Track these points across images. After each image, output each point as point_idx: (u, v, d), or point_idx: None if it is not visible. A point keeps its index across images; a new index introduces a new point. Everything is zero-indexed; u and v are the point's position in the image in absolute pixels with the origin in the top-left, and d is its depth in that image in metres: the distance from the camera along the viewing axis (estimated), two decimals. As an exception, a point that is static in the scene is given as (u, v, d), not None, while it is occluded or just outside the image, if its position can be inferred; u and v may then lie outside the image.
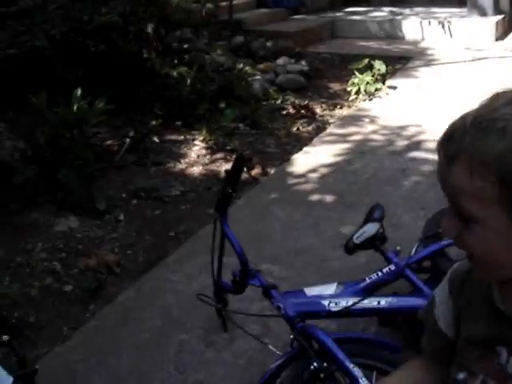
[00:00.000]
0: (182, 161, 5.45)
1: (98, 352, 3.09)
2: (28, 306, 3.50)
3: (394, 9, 11.48)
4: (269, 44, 8.60)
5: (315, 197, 4.71)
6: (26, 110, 5.33)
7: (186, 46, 7.02)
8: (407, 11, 11.23)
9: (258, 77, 7.27)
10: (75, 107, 4.79)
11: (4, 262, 3.87)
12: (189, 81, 5.98)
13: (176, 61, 6.45)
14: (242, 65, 7.12)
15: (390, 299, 2.58)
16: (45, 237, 4.19)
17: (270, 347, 2.59)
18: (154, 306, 3.44)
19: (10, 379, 1.52)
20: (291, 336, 2.39)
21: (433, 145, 5.27)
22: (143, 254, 4.12)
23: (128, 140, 5.55)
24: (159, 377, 2.90)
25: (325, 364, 2.23)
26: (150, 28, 6.00)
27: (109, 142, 5.62)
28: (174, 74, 5.86)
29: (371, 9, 11.60)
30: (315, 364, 2.23)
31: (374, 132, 6.03)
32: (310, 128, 6.32)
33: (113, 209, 4.60)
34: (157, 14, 5.99)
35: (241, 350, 3.02)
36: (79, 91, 4.85)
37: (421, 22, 10.15)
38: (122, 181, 5.05)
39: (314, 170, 5.15)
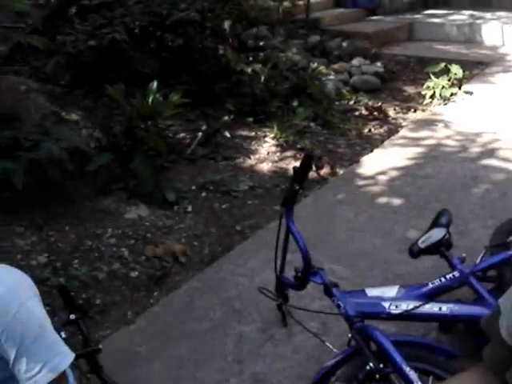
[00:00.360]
0: (251, 157, 5.50)
1: (160, 337, 3.17)
2: (95, 289, 3.63)
3: (474, 12, 11.19)
4: (344, 44, 8.56)
5: (383, 199, 4.67)
6: (103, 101, 5.50)
7: (261, 43, 7.07)
8: (488, 15, 10.93)
9: (332, 77, 7.25)
10: (150, 99, 4.88)
11: (75, 245, 4.00)
12: (262, 78, 6.03)
13: (251, 58, 6.51)
14: (316, 64, 7.11)
15: (451, 306, 2.55)
16: (115, 223, 4.32)
17: (328, 344, 2.61)
18: (216, 297, 3.50)
19: (72, 355, 1.59)
20: (349, 335, 2.41)
21: (507, 153, 5.17)
22: (209, 245, 4.19)
23: (200, 134, 5.64)
24: (217, 365, 2.95)
25: (381, 365, 2.24)
26: (226, 25, 6.08)
27: (181, 134, 5.72)
28: (249, 70, 5.91)
29: (451, 12, 11.35)
30: (371, 364, 2.23)
31: (448, 137, 5.93)
32: (381, 130, 6.27)
33: (182, 200, 4.69)
34: (234, 12, 6.05)
35: (298, 346, 3.05)
36: (155, 84, 4.95)
37: (502, 27, 9.87)
38: (191, 173, 5.14)
39: (383, 173, 5.11)
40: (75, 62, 5.92)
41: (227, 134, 5.75)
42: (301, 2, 8.96)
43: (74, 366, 1.94)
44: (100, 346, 2.44)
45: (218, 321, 3.28)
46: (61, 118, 4.77)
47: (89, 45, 5.73)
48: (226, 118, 5.83)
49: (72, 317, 2.55)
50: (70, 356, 1.57)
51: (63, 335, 2.32)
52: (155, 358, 3.02)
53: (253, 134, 5.93)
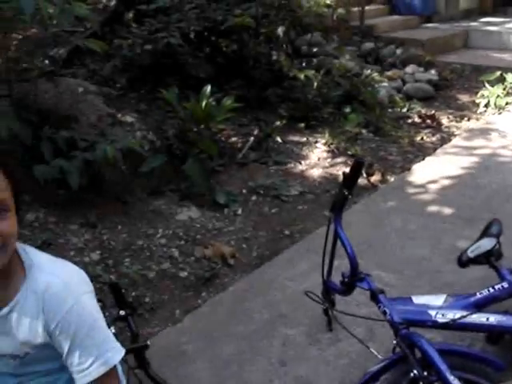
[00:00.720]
0: (302, 162, 5.52)
1: (206, 336, 3.22)
2: (145, 287, 3.71)
3: (532, 21, 11.00)
4: (398, 51, 8.52)
5: (433, 208, 4.64)
6: (157, 104, 5.61)
7: (315, 49, 7.10)
8: (546, 24, 10.73)
9: (385, 84, 7.22)
10: (204, 103, 4.95)
11: (126, 244, 4.10)
12: (315, 84, 6.05)
13: (304, 64, 6.55)
14: (369, 71, 7.10)
15: (499, 317, 2.53)
16: (166, 224, 4.40)
17: (372, 350, 2.62)
18: (263, 300, 3.53)
19: (123, 351, 1.64)
20: (394, 342, 2.41)
21: (562, 164, 5.07)
22: (257, 249, 4.23)
23: (252, 138, 5.70)
24: (261, 367, 2.98)
25: (425, 373, 2.23)
26: (280, 31, 6.12)
27: (233, 138, 5.78)
28: (302, 76, 5.94)
29: (508, 20, 11.16)
30: (415, 372, 2.23)
31: (502, 147, 5.85)
32: (434, 138, 6.22)
33: (232, 203, 4.75)
34: (288, 18, 6.10)
35: (343, 351, 3.06)
36: (208, 88, 5.02)
37: (562, 36, 9.68)
38: (242, 177, 5.19)
39: (434, 181, 5.08)
40: (131, 66, 6.05)
41: (279, 139, 5.79)
42: (355, 9, 8.96)
43: (122, 360, 2.00)
44: (148, 343, 2.50)
45: (264, 323, 3.32)
46: (116, 119, 4.88)
47: (145, 49, 5.85)
48: (278, 123, 5.87)
49: (122, 313, 2.62)
50: (121, 351, 1.62)
51: (113, 330, 2.39)
52: (201, 356, 3.07)
53: (304, 139, 5.95)
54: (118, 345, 1.63)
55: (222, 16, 5.78)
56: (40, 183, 4.16)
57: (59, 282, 1.54)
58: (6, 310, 1.55)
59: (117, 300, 2.70)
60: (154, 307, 3.57)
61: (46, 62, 4.63)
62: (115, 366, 1.63)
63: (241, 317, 3.39)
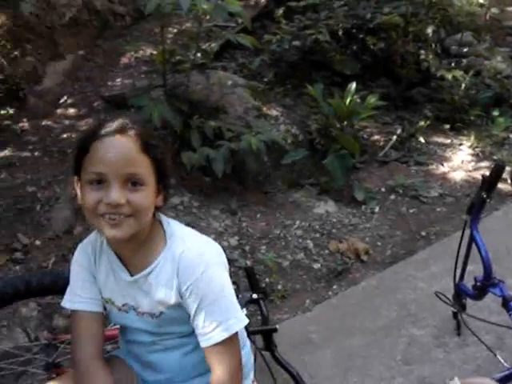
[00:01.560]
0: (445, 164, 5.42)
1: (333, 328, 3.30)
2: (278, 275, 3.84)
3: None
4: (559, 53, 8.07)
5: None
6: (302, 99, 5.72)
7: (465, 50, 6.90)
8: None
9: (540, 88, 6.88)
10: (348, 100, 4.99)
11: (264, 232, 4.25)
12: (463, 85, 5.91)
13: (453, 64, 6.39)
14: (522, 73, 6.81)
15: None
16: (303, 216, 4.51)
17: (499, 358, 2.58)
18: (392, 298, 3.55)
19: (246, 320, 1.75)
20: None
21: None
22: (392, 247, 4.24)
23: (394, 137, 5.67)
24: (386, 363, 3.02)
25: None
26: (430, 30, 6.02)
27: (376, 136, 5.78)
28: (449, 77, 5.81)
29: None
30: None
31: None
32: None
33: (370, 200, 4.77)
34: (438, 16, 5.98)
35: (470, 356, 3.02)
36: (354, 85, 5.06)
37: None
38: (382, 175, 5.19)
39: None
40: (279, 61, 6.20)
41: (422, 140, 5.72)
42: (510, 9, 8.59)
43: (250, 341, 2.13)
44: (277, 326, 2.61)
45: (392, 321, 3.34)
46: (262, 112, 5.04)
47: (293, 45, 5.98)
48: (422, 123, 5.79)
49: (254, 296, 2.75)
50: (244, 321, 1.72)
51: (245, 312, 2.52)
52: (327, 346, 3.15)
53: (448, 141, 5.83)
54: (242, 315, 1.73)
55: (371, 14, 5.78)
56: (187, 169, 4.42)
57: (193, 251, 1.69)
58: (147, 270, 1.71)
59: (250, 283, 2.83)
60: (286, 295, 3.70)
61: (199, 54, 4.86)
62: (237, 334, 1.72)
63: (369, 312, 3.43)
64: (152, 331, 1.81)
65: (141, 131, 1.64)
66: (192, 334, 1.74)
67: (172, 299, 1.70)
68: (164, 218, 1.78)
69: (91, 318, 1.81)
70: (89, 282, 1.83)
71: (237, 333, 1.72)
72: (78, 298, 1.83)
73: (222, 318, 1.66)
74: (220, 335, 1.66)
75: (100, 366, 1.77)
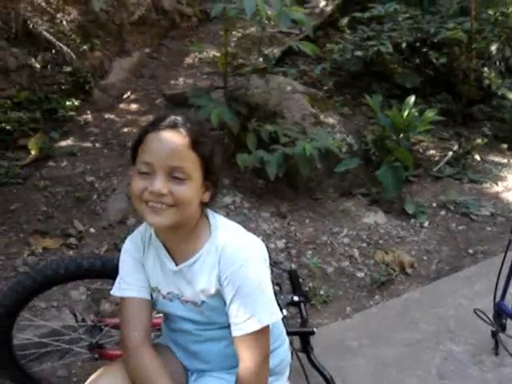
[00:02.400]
0: (499, 183, 5.37)
1: (372, 336, 3.33)
2: (322, 280, 3.89)
3: None
4: None
5: None
6: (360, 109, 5.76)
7: (532, 69, 6.83)
8: None
9: None
10: (406, 113, 4.99)
11: (311, 237, 4.31)
12: (524, 105, 5.86)
13: (516, 83, 6.33)
14: None
15: None
16: (351, 225, 4.55)
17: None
18: (433, 312, 3.55)
19: (279, 315, 1.80)
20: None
21: None
22: (438, 262, 4.23)
23: (450, 153, 5.65)
24: (420, 375, 3.03)
25: None
26: (494, 47, 5.96)
27: (431, 151, 5.77)
28: (511, 96, 5.76)
29: None
30: None
31: None
32: None
33: (420, 214, 4.77)
34: (504, 35, 5.91)
35: (506, 377, 3.00)
36: (413, 98, 5.06)
37: None
38: (434, 190, 5.18)
39: None
40: (340, 70, 6.26)
41: (478, 158, 5.68)
42: None
43: (289, 341, 2.19)
44: (314, 329, 2.68)
45: (430, 334, 3.35)
46: (319, 120, 5.09)
47: (355, 55, 6.02)
48: (480, 141, 5.75)
49: (295, 299, 2.82)
50: (277, 315, 1.78)
51: (285, 313, 2.60)
52: (363, 354, 3.19)
53: (505, 160, 5.77)
54: (277, 310, 1.79)
55: (435, 28, 5.76)
56: (240, 170, 4.52)
57: (236, 243, 1.78)
58: (191, 260, 1.82)
59: (293, 286, 2.91)
60: (327, 300, 3.74)
61: (261, 59, 4.95)
62: (268, 328, 1.78)
63: (408, 324, 3.45)
64: (195, 319, 1.90)
65: (191, 128, 1.74)
66: (227, 327, 1.81)
67: (212, 288, 1.79)
68: (210, 213, 1.87)
69: (139, 305, 1.92)
70: (137, 271, 1.94)
71: (268, 327, 1.78)
72: (126, 285, 1.94)
73: (255, 310, 1.73)
74: (251, 327, 1.73)
75: (148, 350, 1.87)
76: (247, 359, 1.75)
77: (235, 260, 1.74)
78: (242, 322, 1.74)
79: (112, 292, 1.98)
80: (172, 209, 1.70)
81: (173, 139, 1.70)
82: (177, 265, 1.85)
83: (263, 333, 1.76)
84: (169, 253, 1.87)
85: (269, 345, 1.81)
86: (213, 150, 1.80)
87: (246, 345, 1.75)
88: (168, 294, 1.90)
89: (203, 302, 1.83)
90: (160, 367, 1.84)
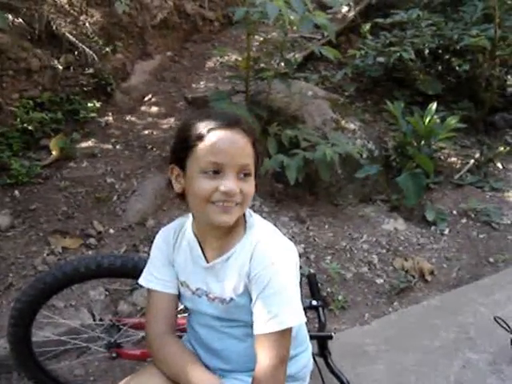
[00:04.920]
0: (520, 192, 5.33)
1: (389, 343, 3.30)
2: (340, 286, 3.88)
3: None
4: None
5: None
6: (381, 115, 5.74)
7: (556, 77, 6.77)
8: None
9: None
10: (428, 120, 4.96)
11: (330, 243, 4.29)
12: (548, 114, 5.80)
13: (540, 91, 6.28)
14: None
15: None
16: (371, 231, 4.52)
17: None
18: (452, 320, 3.52)
19: (303, 319, 1.76)
20: None
21: None
22: (458, 270, 4.20)
23: (472, 161, 5.61)
24: (437, 382, 2.99)
25: None
26: (517, 55, 5.93)
27: (452, 159, 5.73)
28: (534, 104, 5.73)
29: None
30: None
31: None
32: None
33: (440, 222, 4.73)
34: (528, 42, 5.88)
35: (525, 387, 2.98)
36: (434, 105, 5.03)
37: None
38: (455, 198, 5.14)
39: None
40: (361, 76, 6.25)
41: (500, 166, 5.64)
42: None
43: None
44: (332, 334, 2.66)
45: (449, 342, 3.31)
46: (340, 125, 5.08)
47: (377, 61, 6.00)
48: (502, 149, 5.70)
49: (314, 303, 2.80)
50: (301, 317, 1.74)
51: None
52: (381, 360, 3.16)
53: (527, 169, 5.73)
54: (301, 313, 1.75)
55: (458, 35, 5.73)
56: (260, 174, 4.51)
57: (269, 243, 1.78)
58: (225, 256, 1.82)
59: (311, 290, 2.89)
60: (346, 306, 3.72)
61: (282, 64, 4.94)
62: (291, 330, 1.75)
63: (427, 331, 3.42)
64: (220, 316, 1.89)
65: (250, 127, 1.76)
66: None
67: (241, 285, 1.78)
68: (247, 210, 1.87)
69: (164, 299, 1.95)
70: (164, 266, 1.97)
71: (290, 330, 1.75)
72: (153, 278, 1.96)
73: (280, 310, 1.71)
74: (273, 326, 1.70)
75: (173, 338, 1.89)
76: (264, 360, 1.72)
77: (266, 258, 1.74)
78: (265, 321, 1.72)
79: (139, 281, 2.01)
80: (238, 206, 1.72)
81: (240, 138, 1.70)
82: (207, 261, 1.86)
83: (285, 335, 1.73)
84: (201, 249, 1.88)
85: (289, 348, 1.78)
86: (260, 147, 1.84)
87: (266, 345, 1.73)
88: (197, 290, 1.91)
89: (232, 299, 1.82)
90: (189, 353, 1.87)
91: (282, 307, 1.71)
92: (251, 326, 1.80)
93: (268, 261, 1.73)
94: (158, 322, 1.91)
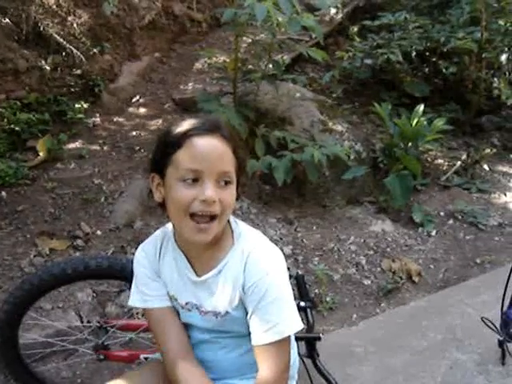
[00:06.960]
0: (507, 194, 5.35)
1: (378, 344, 3.31)
2: (328, 287, 3.88)
3: None
4: None
5: None
6: (369, 117, 5.76)
7: (540, 80, 6.83)
8: None
9: None
10: (415, 122, 4.98)
11: (318, 244, 4.30)
12: (534, 115, 5.85)
13: (526, 92, 6.32)
14: None
15: None
16: (359, 232, 4.53)
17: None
18: (439, 321, 3.53)
19: (300, 326, 1.74)
20: None
21: None
22: (444, 271, 4.21)
23: (459, 162, 5.64)
24: (424, 383, 3.01)
25: None
26: (504, 58, 5.96)
27: (439, 160, 5.76)
28: (520, 106, 5.78)
29: None
30: None
31: None
32: None
33: (427, 223, 4.75)
34: (512, 45, 5.94)
35: (511, 387, 2.99)
36: (421, 107, 5.05)
37: None
38: (442, 200, 5.16)
39: None
40: (349, 78, 6.26)
41: (486, 167, 5.67)
42: None
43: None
44: (320, 335, 2.66)
45: (437, 343, 3.33)
46: (327, 127, 5.09)
47: (364, 63, 6.03)
48: (488, 150, 5.74)
49: (302, 304, 2.80)
50: (299, 325, 1.72)
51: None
52: (369, 361, 3.17)
53: (513, 171, 5.77)
54: (298, 320, 1.73)
55: (445, 37, 5.76)
56: (248, 176, 4.51)
57: (261, 252, 1.73)
58: (216, 270, 1.76)
59: (299, 292, 2.89)
60: (333, 307, 3.73)
61: (270, 65, 4.95)
62: (289, 338, 1.73)
63: (415, 332, 3.43)
64: (212, 329, 1.85)
65: (231, 132, 1.69)
66: (248, 335, 1.75)
67: (237, 297, 1.74)
68: (232, 218, 1.81)
69: (168, 315, 1.86)
70: (154, 281, 1.88)
71: (289, 337, 1.73)
72: (146, 296, 1.87)
73: (278, 319, 1.68)
74: (272, 336, 1.68)
75: (187, 363, 1.79)
76: (267, 369, 1.69)
77: (261, 268, 1.70)
78: (263, 332, 1.69)
79: (130, 303, 1.91)
80: (215, 222, 1.65)
81: (219, 144, 1.63)
82: (198, 275, 1.80)
83: (284, 343, 1.71)
84: (189, 262, 1.81)
85: (289, 355, 1.76)
86: (243, 151, 1.78)
87: (267, 355, 1.70)
88: (186, 304, 1.84)
89: (227, 312, 1.77)
90: (202, 379, 1.78)
91: (280, 316, 1.69)
92: (242, 337, 1.79)
93: (263, 271, 1.69)
94: (169, 343, 1.82)
